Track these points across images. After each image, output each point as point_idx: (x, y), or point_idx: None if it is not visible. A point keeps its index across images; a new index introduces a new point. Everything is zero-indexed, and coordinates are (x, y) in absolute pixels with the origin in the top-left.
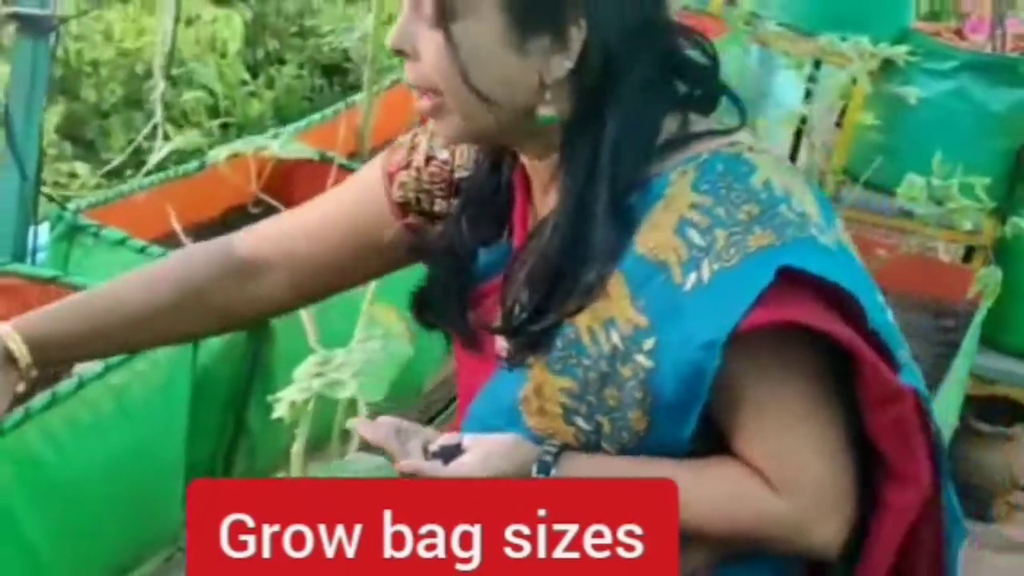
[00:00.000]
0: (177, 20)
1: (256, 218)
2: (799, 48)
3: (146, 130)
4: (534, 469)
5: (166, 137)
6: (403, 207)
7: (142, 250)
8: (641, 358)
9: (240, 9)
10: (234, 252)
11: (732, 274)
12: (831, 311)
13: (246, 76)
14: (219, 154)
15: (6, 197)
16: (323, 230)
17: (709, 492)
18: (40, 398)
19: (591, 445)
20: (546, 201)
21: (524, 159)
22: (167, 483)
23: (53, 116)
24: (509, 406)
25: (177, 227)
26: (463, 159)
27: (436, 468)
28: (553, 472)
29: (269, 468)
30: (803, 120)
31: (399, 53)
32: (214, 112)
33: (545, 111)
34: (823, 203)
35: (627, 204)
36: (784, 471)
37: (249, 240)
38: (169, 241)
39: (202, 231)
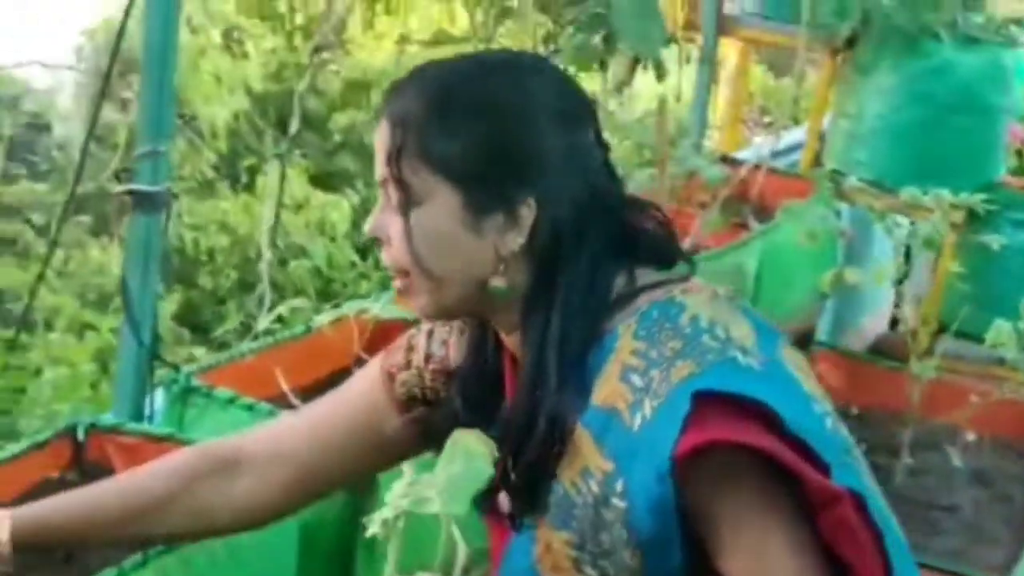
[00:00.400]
0: (282, 204)
1: None
2: (882, 203)
3: (254, 307)
4: None
5: (273, 306)
6: (407, 403)
7: (250, 408)
8: (616, 500)
9: (348, 194)
10: (227, 451)
11: (664, 407)
12: (755, 425)
13: (355, 257)
14: (323, 319)
15: (124, 363)
16: (322, 430)
17: None
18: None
19: None
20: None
21: (503, 336)
22: None
23: (171, 304)
24: (527, 567)
25: (285, 387)
26: (457, 353)
27: None
28: None
29: None
30: (901, 273)
31: (376, 241)
32: (323, 294)
33: (498, 283)
34: (760, 328)
35: (583, 363)
36: None
37: (245, 441)
38: (278, 401)
39: (308, 393)
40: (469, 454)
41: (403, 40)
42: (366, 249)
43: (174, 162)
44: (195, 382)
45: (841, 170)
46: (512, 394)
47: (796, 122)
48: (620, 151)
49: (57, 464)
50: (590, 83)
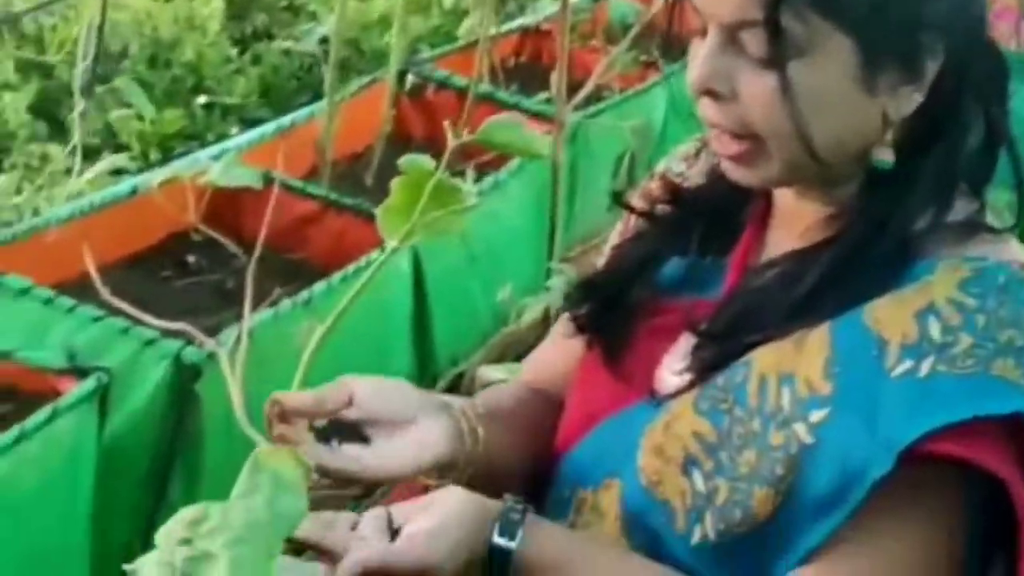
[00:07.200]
0: None
1: (199, 246)
2: None
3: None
4: (495, 529)
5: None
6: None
7: (48, 301)
8: (801, 429)
9: None
10: (535, 386)
11: (956, 382)
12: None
13: (231, 53)
14: (151, 178)
15: None
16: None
17: None
18: None
19: (693, 512)
20: (783, 237)
21: (785, 194)
22: None
23: (26, 95)
24: (632, 440)
25: (91, 269)
26: (698, 170)
27: (389, 549)
28: (520, 537)
29: None
30: None
31: (706, 93)
32: (196, 90)
33: (885, 157)
34: None
35: (877, 270)
36: None
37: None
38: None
39: (130, 266)
40: (277, 481)
41: None
42: (244, 42)
43: None
44: None
45: None
46: (747, 252)
47: None
48: None
49: None
50: None
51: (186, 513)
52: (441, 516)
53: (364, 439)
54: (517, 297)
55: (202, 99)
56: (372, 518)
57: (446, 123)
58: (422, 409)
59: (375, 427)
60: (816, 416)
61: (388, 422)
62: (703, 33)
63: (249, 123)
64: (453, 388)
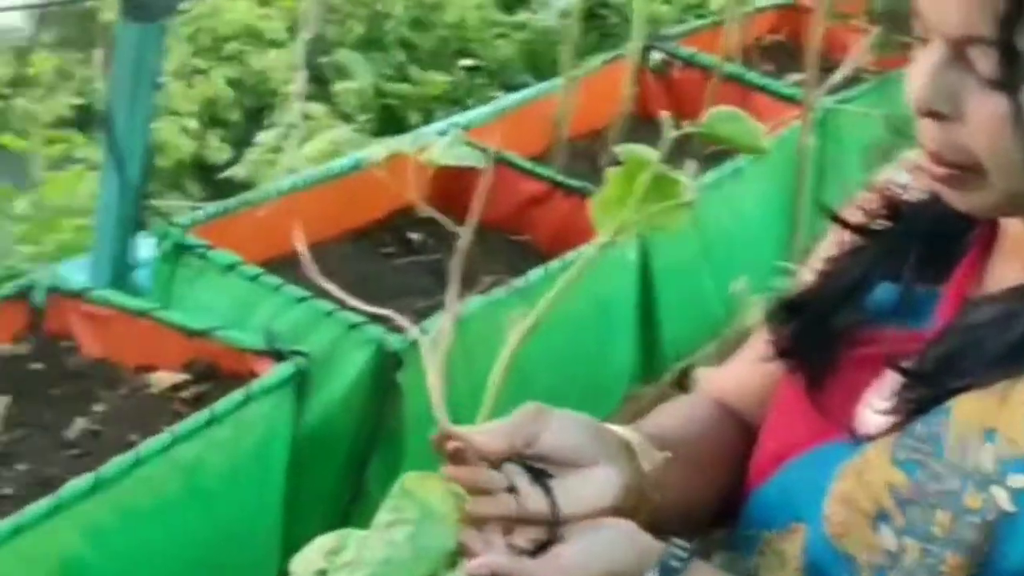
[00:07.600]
0: None
1: (424, 223)
2: None
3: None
4: (655, 573)
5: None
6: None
7: (255, 278)
8: (1001, 494)
9: None
10: (725, 404)
11: None
12: None
13: (498, 16)
14: (376, 151)
15: (105, 207)
16: None
17: None
18: (76, 483)
19: (878, 572)
20: (1007, 268)
21: (1015, 220)
22: (258, 567)
23: (291, 53)
24: (822, 482)
25: (300, 247)
26: (923, 182)
27: (524, 563)
28: None
29: None
30: None
31: (928, 113)
32: (460, 53)
33: None
34: None
35: None
36: None
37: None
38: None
39: (346, 241)
40: (425, 512)
41: None
42: (513, 7)
43: None
44: (190, 238)
45: None
46: (968, 279)
47: None
48: None
49: (6, 334)
50: None
51: (325, 540)
52: (593, 546)
53: (538, 474)
54: (754, 292)
55: (466, 62)
56: (528, 529)
57: (663, 113)
58: (605, 451)
59: (551, 464)
60: (1018, 481)
61: (568, 462)
62: (925, 40)
63: (512, 88)
64: (679, 384)
